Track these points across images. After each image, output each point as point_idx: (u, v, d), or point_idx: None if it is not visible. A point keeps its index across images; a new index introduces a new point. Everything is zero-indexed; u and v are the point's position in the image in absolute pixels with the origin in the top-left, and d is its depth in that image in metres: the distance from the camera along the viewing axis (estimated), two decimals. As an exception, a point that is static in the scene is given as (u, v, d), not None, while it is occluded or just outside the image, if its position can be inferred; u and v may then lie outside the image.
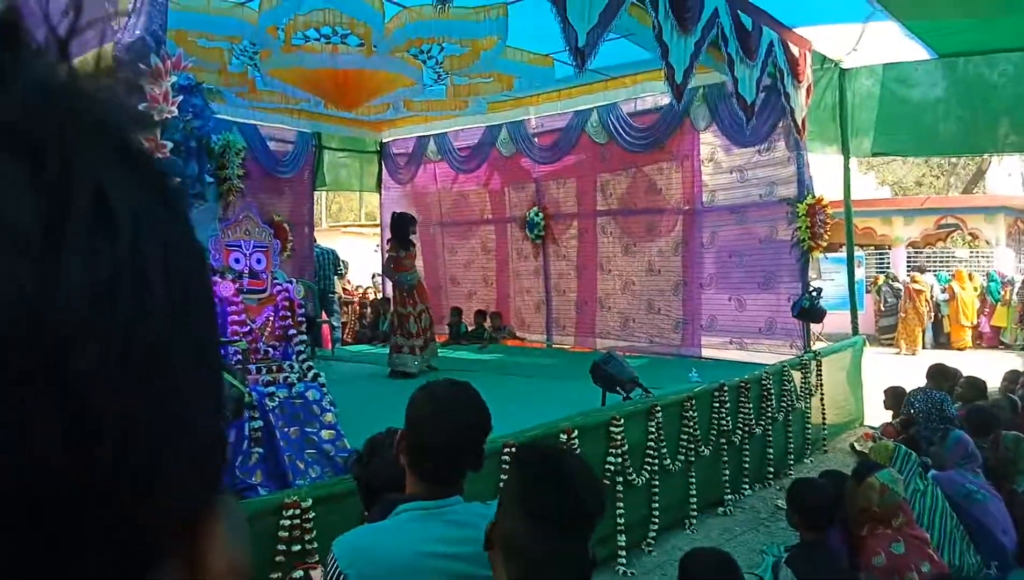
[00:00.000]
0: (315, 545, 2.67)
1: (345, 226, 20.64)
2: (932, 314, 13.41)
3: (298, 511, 2.69)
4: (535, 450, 1.61)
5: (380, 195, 10.75)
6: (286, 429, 3.44)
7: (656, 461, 4.33)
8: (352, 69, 5.55)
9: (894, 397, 5.70)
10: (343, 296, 11.30)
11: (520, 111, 8.71)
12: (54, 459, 0.19)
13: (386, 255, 7.23)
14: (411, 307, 6.81)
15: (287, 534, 2.65)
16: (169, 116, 2.26)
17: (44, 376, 0.19)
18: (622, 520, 4.05)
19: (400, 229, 6.91)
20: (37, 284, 0.19)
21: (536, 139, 8.91)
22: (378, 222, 11.37)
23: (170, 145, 2.29)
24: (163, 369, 0.21)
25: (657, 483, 4.34)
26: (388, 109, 7.83)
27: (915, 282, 13.28)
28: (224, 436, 0.25)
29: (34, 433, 0.19)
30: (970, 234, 16.02)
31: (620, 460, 4.05)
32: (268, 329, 3.68)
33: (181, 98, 2.28)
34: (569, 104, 8.31)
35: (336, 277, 10.27)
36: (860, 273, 12.16)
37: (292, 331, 3.76)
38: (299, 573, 2.60)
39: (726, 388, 5.02)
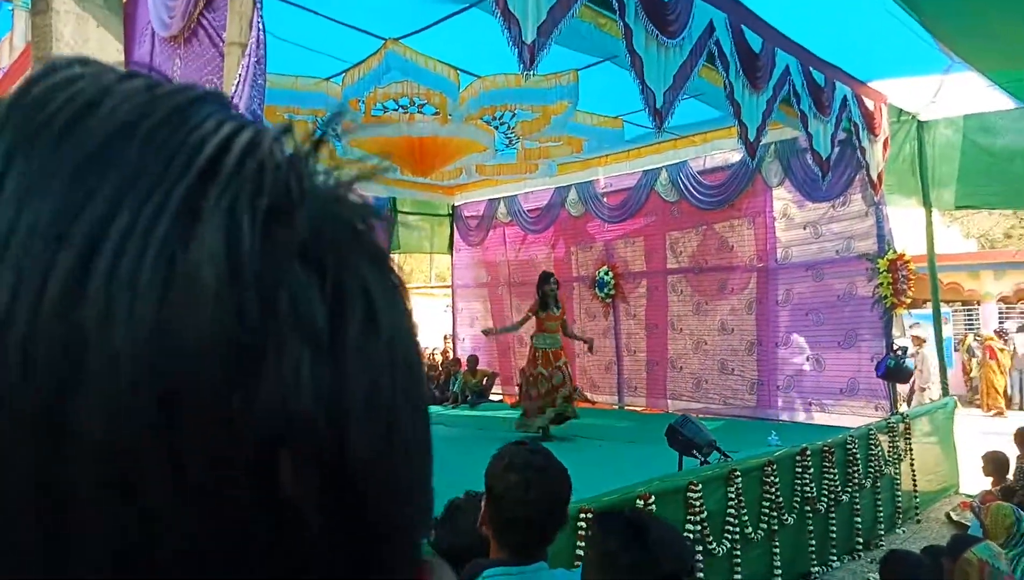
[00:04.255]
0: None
1: (416, 288, 21.05)
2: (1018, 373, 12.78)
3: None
4: (615, 514, 1.59)
5: (451, 257, 10.97)
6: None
7: (737, 529, 4.16)
8: (427, 137, 5.76)
9: (994, 463, 5.35)
10: (414, 356, 11.39)
11: (589, 172, 8.80)
12: (323, 528, 0.22)
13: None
14: (546, 369, 6.46)
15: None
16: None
17: (331, 459, 0.22)
18: (703, 591, 3.88)
19: (538, 289, 6.77)
20: (331, 377, 0.21)
21: (605, 198, 8.97)
22: (448, 283, 11.57)
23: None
24: (410, 446, 0.24)
25: (739, 552, 4.16)
26: (461, 174, 8.06)
27: (989, 340, 12.78)
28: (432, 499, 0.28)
29: (317, 512, 0.22)
30: (1068, 288, 15.14)
31: (699, 528, 3.91)
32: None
33: (275, 170, 2.41)
34: (638, 164, 8.36)
35: (407, 337, 10.41)
36: (947, 330, 11.64)
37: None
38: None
39: (809, 452, 4.82)
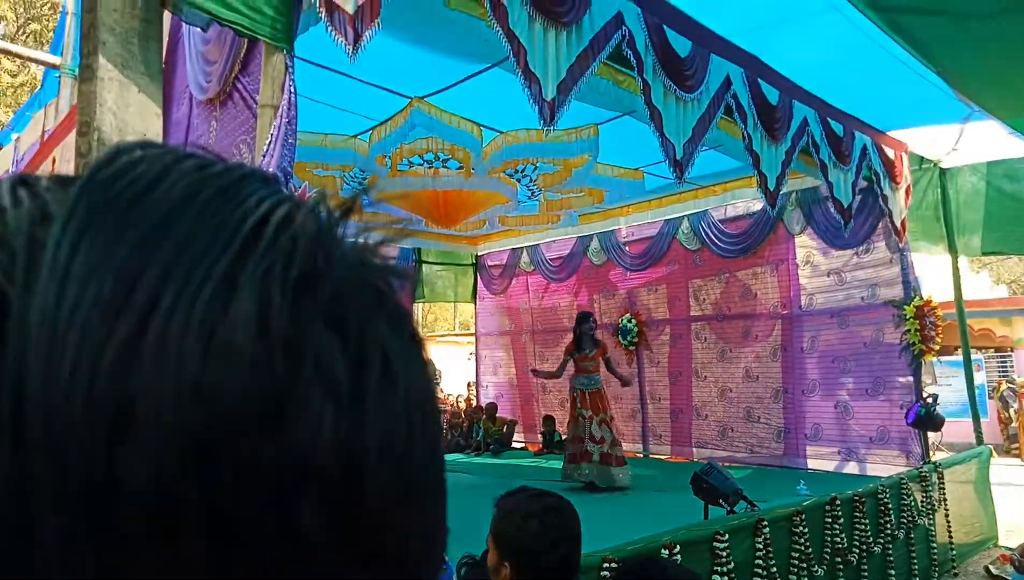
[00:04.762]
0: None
1: (441, 336, 21.16)
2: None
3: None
4: (638, 568, 1.59)
5: (475, 305, 11.06)
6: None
7: (766, 581, 4.08)
8: (452, 190, 5.91)
9: (1032, 515, 5.20)
10: (438, 404, 11.42)
11: (611, 221, 8.89)
12: (339, 562, 0.24)
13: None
14: (586, 410, 6.46)
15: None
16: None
17: (349, 501, 0.24)
18: (731, 646, 3.80)
19: (574, 329, 6.80)
20: (349, 428, 0.24)
21: (627, 247, 9.04)
22: (472, 331, 11.65)
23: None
24: (423, 489, 0.27)
25: (768, 606, 4.07)
26: (484, 225, 8.19)
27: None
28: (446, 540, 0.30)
29: (334, 548, 0.24)
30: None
31: (726, 579, 3.85)
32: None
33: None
34: (659, 213, 8.44)
35: (431, 386, 10.44)
36: (980, 378, 11.38)
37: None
38: None
39: (838, 502, 4.73)
